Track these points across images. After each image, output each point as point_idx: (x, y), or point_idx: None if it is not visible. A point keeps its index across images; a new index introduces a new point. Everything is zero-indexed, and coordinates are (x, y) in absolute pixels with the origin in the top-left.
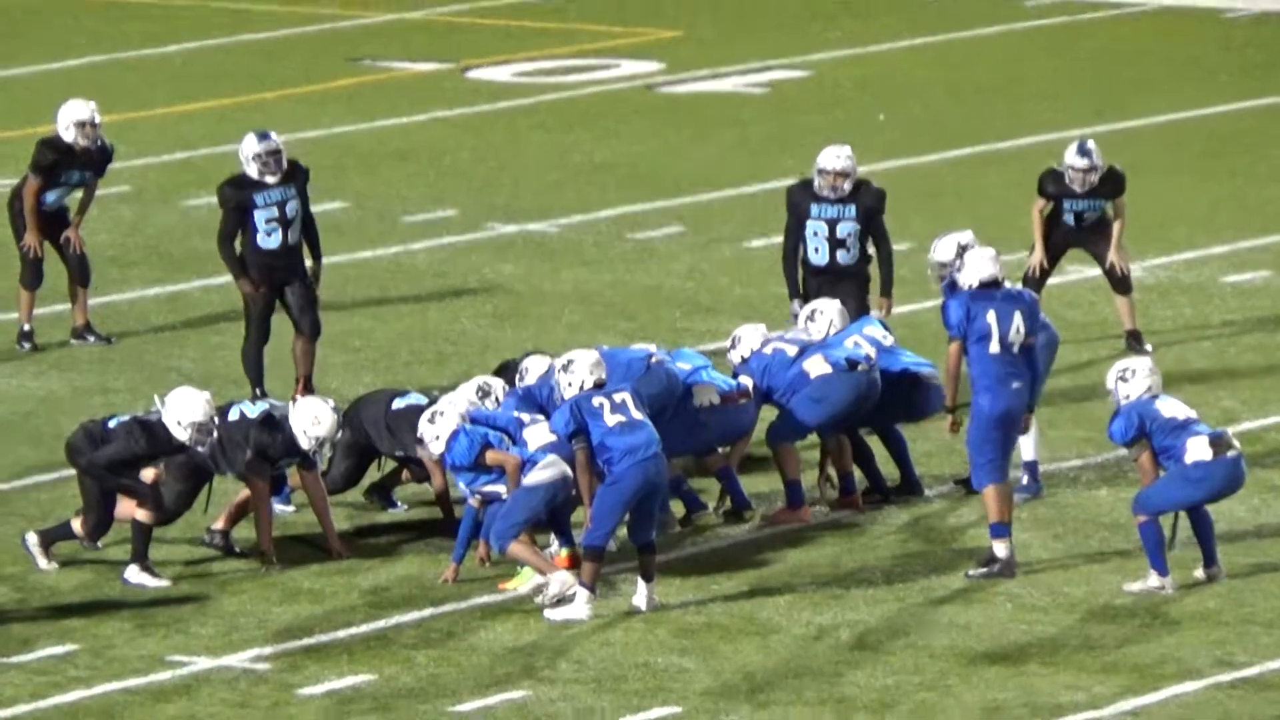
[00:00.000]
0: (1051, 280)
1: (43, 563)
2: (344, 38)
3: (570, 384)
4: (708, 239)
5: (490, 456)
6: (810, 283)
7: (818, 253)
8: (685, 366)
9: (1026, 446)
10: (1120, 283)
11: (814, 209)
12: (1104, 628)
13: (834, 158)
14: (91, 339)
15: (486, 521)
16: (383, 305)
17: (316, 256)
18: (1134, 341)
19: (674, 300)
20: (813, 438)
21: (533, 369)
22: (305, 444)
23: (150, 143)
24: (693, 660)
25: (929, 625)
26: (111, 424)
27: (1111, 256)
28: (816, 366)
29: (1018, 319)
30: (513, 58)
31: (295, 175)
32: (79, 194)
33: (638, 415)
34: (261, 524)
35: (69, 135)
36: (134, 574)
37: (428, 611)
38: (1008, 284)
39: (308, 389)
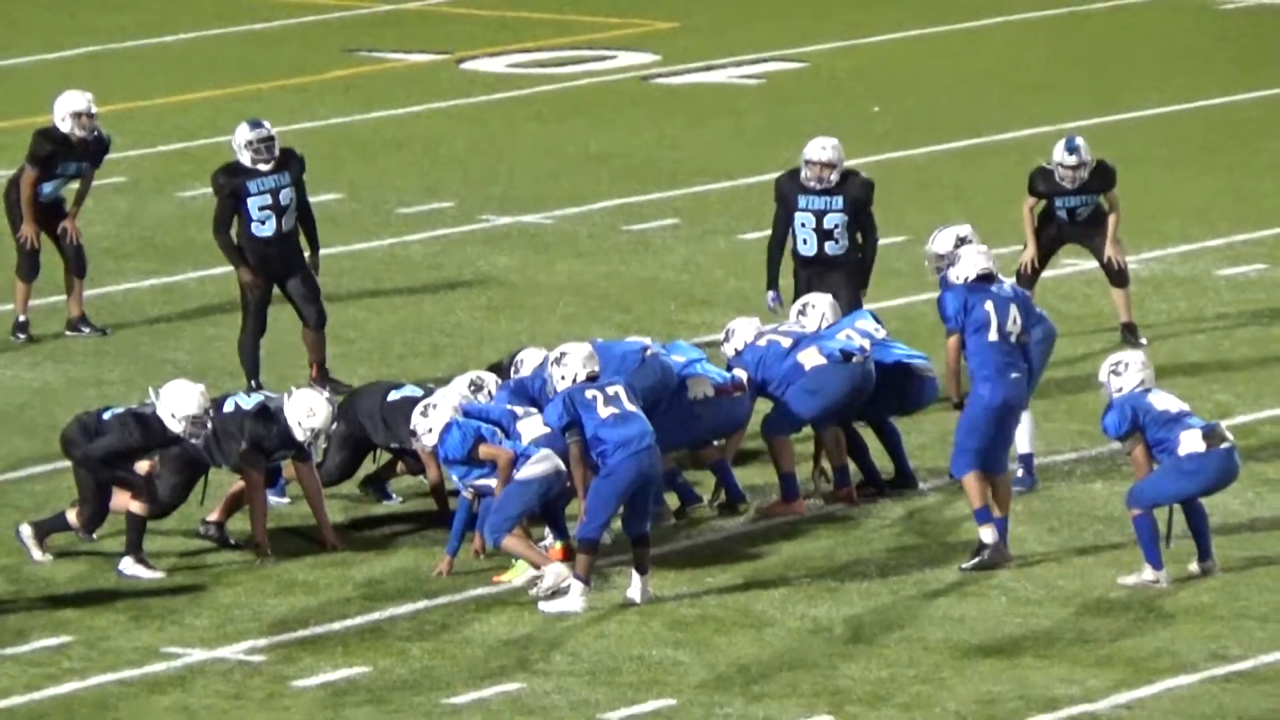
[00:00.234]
0: (1047, 273)
1: (37, 554)
2: (339, 28)
3: (563, 377)
4: (703, 231)
5: (483, 451)
6: (800, 274)
7: (806, 244)
8: (680, 359)
9: (1022, 439)
10: (1117, 276)
11: (801, 200)
12: (1098, 621)
13: (819, 149)
14: (86, 330)
15: (481, 514)
16: (377, 297)
17: (314, 246)
18: (1129, 334)
19: (669, 292)
20: (807, 431)
21: (528, 361)
22: (300, 436)
23: (146, 133)
24: (687, 653)
25: (923, 618)
26: (106, 416)
27: (1108, 250)
28: (811, 358)
29: (1014, 311)
30: (508, 49)
31: (290, 163)
32: (75, 185)
33: (631, 407)
34: (256, 516)
35: (66, 126)
36: (129, 566)
37: (422, 604)
38: (1001, 278)
39: (322, 375)
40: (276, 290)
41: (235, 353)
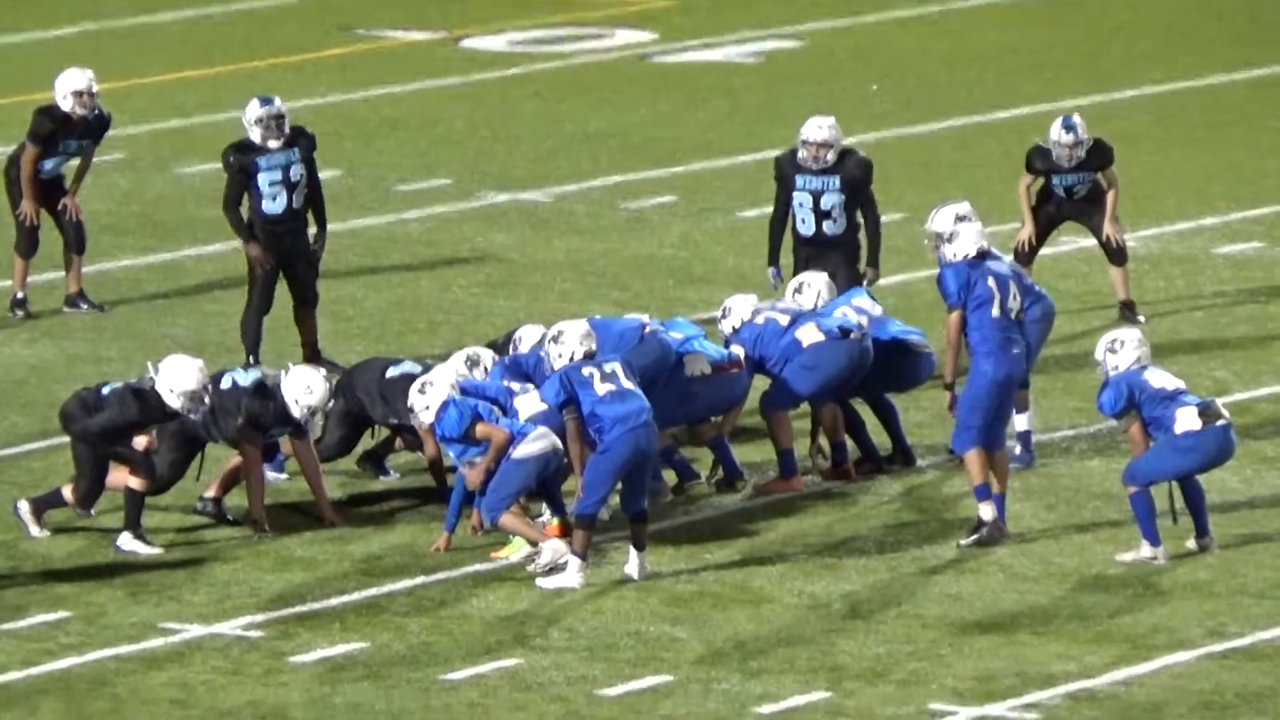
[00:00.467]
0: (1045, 251)
1: (35, 530)
2: (337, 6)
3: (560, 354)
4: (700, 209)
5: (480, 429)
6: (799, 253)
7: (804, 224)
8: (677, 336)
9: (1020, 416)
10: (1115, 254)
11: (799, 180)
12: (1096, 598)
13: (815, 129)
14: (85, 307)
15: (478, 491)
16: (375, 274)
17: (321, 225)
18: (1127, 312)
19: (666, 270)
20: (804, 408)
21: (526, 339)
22: (297, 413)
23: (144, 110)
24: (684, 629)
25: (921, 595)
26: (105, 391)
27: (1106, 228)
28: (809, 335)
29: (1013, 287)
30: (506, 26)
31: (299, 140)
32: (75, 162)
33: (628, 384)
34: (253, 492)
35: (66, 104)
36: (126, 541)
37: (420, 580)
38: (999, 254)
39: (314, 356)
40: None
41: (233, 329)
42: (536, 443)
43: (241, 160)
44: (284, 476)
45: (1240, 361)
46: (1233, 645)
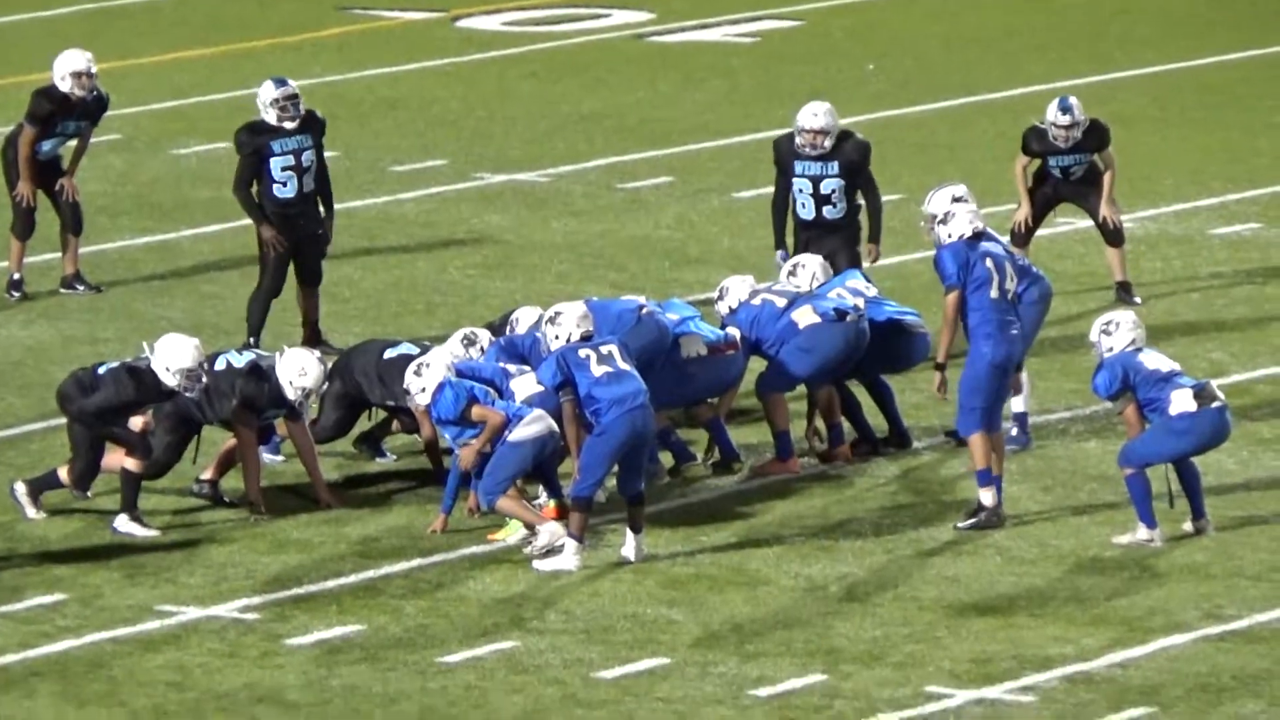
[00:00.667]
0: (1041, 232)
1: (31, 512)
2: None
3: (557, 336)
4: (696, 189)
5: (475, 412)
6: (799, 236)
7: (804, 208)
8: (673, 317)
9: (1016, 398)
10: (1112, 235)
11: (797, 166)
12: (1092, 580)
13: (811, 116)
14: (81, 288)
15: (473, 473)
16: (371, 255)
17: (329, 209)
18: (1124, 293)
19: (662, 251)
20: (800, 389)
21: (523, 320)
22: (291, 395)
23: (141, 91)
24: (681, 611)
25: (917, 577)
26: (101, 371)
27: (1103, 209)
28: (805, 317)
29: (1009, 268)
30: (502, 7)
31: (312, 124)
32: (73, 143)
33: (625, 366)
34: (249, 474)
35: (65, 85)
36: (123, 523)
37: (416, 562)
38: (995, 235)
39: (314, 335)
40: None
41: (229, 311)
42: (532, 425)
43: (255, 142)
44: (280, 459)
45: (1237, 343)
46: (1229, 628)
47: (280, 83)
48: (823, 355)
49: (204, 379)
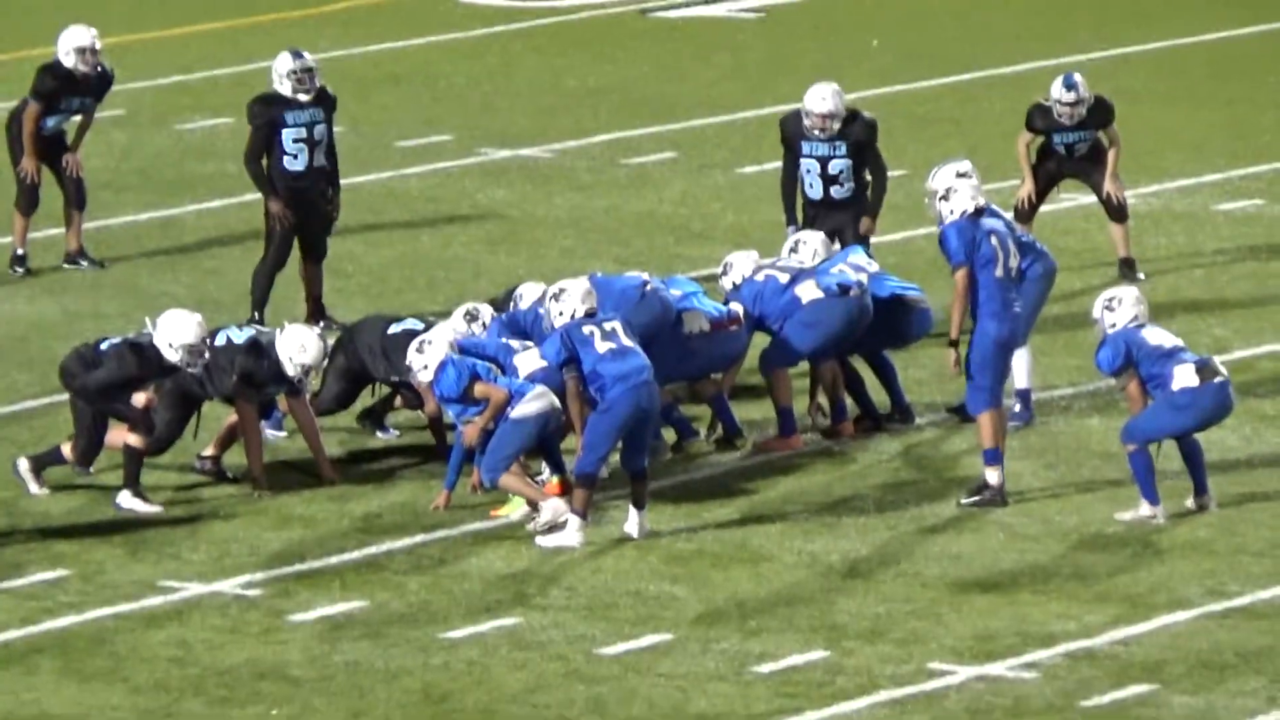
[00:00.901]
0: (1045, 208)
1: (34, 488)
2: None
3: (561, 313)
4: (701, 165)
5: (478, 389)
6: (807, 213)
7: (812, 188)
8: (676, 293)
9: (1020, 374)
10: (1116, 211)
11: (805, 147)
12: (1095, 557)
13: (819, 99)
14: (84, 263)
15: (477, 449)
16: (375, 230)
17: (335, 187)
18: (1127, 269)
19: (667, 226)
20: (803, 365)
21: (527, 296)
22: (291, 371)
23: (144, 66)
24: (684, 588)
25: (920, 554)
26: (104, 346)
27: (1107, 185)
28: (809, 292)
29: (1011, 245)
30: None
31: (324, 100)
32: (78, 118)
33: (628, 342)
34: (251, 450)
35: (69, 61)
36: (125, 499)
37: (419, 538)
38: (998, 210)
39: (318, 310)
40: None
41: (231, 286)
42: (534, 402)
43: (268, 114)
44: (283, 434)
45: (1240, 319)
46: (1232, 604)
47: (297, 55)
48: (826, 330)
49: (206, 354)
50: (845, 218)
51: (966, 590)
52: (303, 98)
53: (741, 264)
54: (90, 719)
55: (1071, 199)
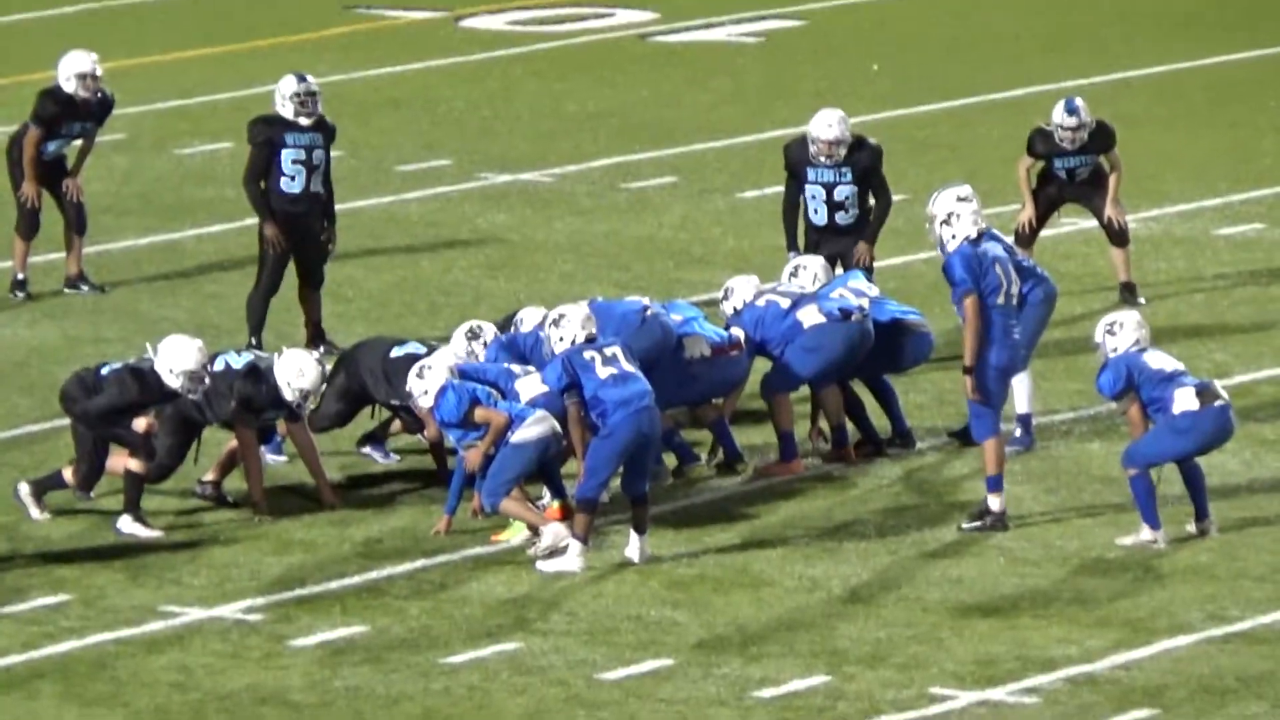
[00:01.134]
0: (1046, 232)
1: (35, 512)
2: None
3: (562, 338)
4: (701, 189)
5: (479, 414)
6: (809, 238)
7: (817, 214)
8: (677, 318)
9: (1020, 399)
10: (1117, 236)
11: (810, 174)
12: (1096, 581)
13: (825, 127)
14: (85, 288)
15: (478, 474)
16: (375, 255)
17: (331, 218)
18: (1128, 294)
19: (667, 251)
20: (804, 390)
21: (527, 320)
22: (289, 395)
23: (144, 91)
24: (685, 613)
25: (921, 578)
26: (105, 372)
27: (1108, 210)
28: (810, 317)
29: (1012, 271)
30: (507, 6)
31: (324, 127)
32: (78, 143)
33: (629, 368)
34: (251, 475)
35: (70, 87)
36: (126, 524)
37: (420, 563)
38: (998, 234)
39: (317, 335)
40: None
41: (232, 311)
42: (535, 427)
43: (268, 134)
44: (283, 459)
45: (1240, 343)
46: (1233, 629)
47: (301, 78)
48: (827, 355)
49: (207, 380)
50: (848, 243)
51: (968, 615)
52: (304, 121)
53: (742, 289)
54: None
55: (1072, 223)
